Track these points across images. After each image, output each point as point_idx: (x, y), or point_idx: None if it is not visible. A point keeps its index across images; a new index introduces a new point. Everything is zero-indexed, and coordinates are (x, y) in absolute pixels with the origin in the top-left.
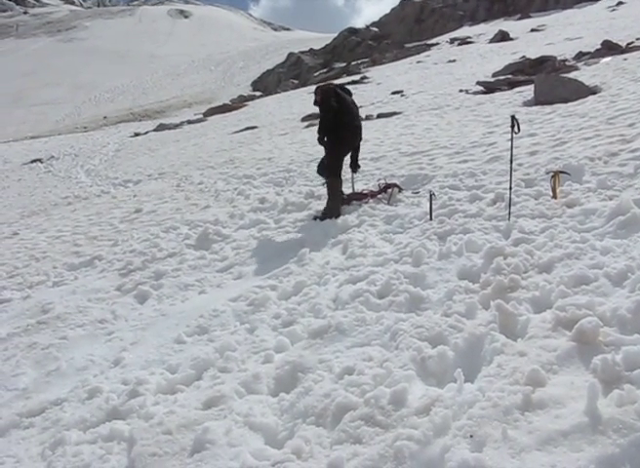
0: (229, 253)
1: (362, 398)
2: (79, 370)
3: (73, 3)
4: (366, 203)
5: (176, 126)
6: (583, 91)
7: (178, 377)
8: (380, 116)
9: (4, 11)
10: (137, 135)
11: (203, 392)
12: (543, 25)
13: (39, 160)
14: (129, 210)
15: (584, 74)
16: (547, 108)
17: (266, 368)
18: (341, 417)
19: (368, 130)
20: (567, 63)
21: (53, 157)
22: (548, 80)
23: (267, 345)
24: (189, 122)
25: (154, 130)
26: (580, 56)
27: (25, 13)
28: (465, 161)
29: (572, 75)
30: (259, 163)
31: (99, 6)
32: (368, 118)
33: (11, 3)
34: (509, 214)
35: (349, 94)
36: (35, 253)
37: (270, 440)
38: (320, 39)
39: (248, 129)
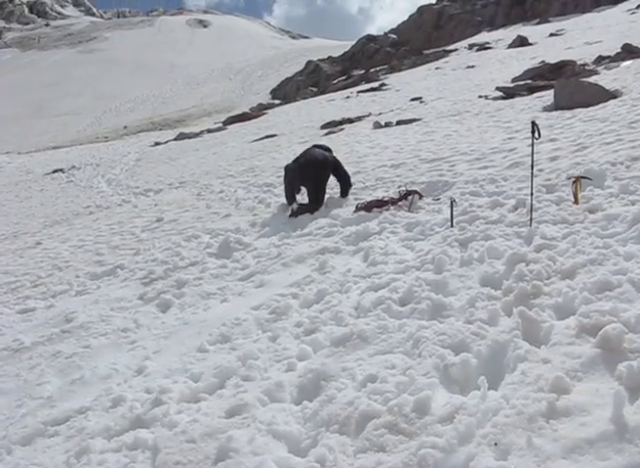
0: (251, 261)
1: (385, 406)
2: (103, 378)
3: (94, 14)
4: (387, 210)
5: (196, 135)
6: (604, 95)
7: (201, 386)
8: (399, 123)
9: (26, 24)
10: (157, 144)
11: (226, 400)
12: (562, 30)
13: (61, 170)
14: (150, 219)
15: (605, 78)
16: (568, 113)
17: (289, 376)
18: (365, 425)
19: (387, 137)
20: (587, 68)
21: (74, 167)
22: (568, 85)
23: (290, 353)
24: (209, 131)
25: (174, 139)
26: (599, 60)
27: (47, 25)
28: (486, 167)
29: (592, 79)
30: (279, 171)
31: (118, 17)
32: (387, 125)
33: (33, 16)
34: (531, 220)
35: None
36: (58, 262)
37: (294, 448)
38: (338, 47)
39: (267, 137)
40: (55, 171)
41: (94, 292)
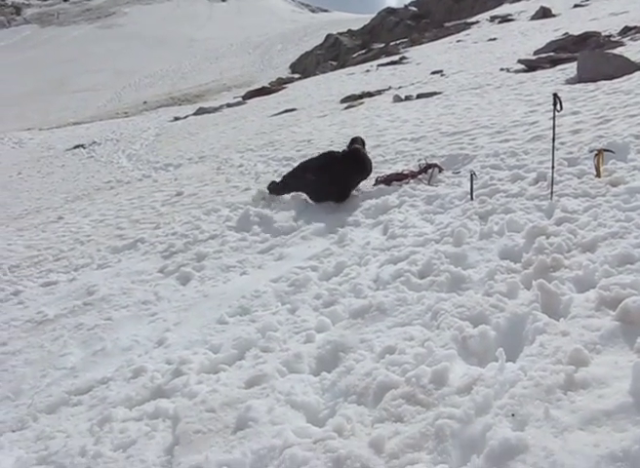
0: (270, 234)
1: (403, 377)
2: (124, 350)
3: None
4: (406, 183)
5: (215, 109)
6: (629, 67)
7: (220, 357)
8: (419, 96)
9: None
10: (176, 119)
11: (245, 371)
12: (587, 0)
13: (82, 146)
14: (170, 193)
15: (630, 50)
16: (591, 86)
17: (308, 347)
18: (383, 396)
19: (408, 110)
20: (612, 39)
21: (95, 143)
22: (592, 57)
23: (309, 325)
24: (228, 105)
25: (194, 114)
26: (625, 31)
27: (66, 0)
28: (507, 140)
29: (617, 51)
30: (298, 145)
31: None
32: (407, 99)
33: None
34: (552, 193)
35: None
36: (80, 236)
37: (312, 418)
38: (358, 20)
39: (287, 111)
40: (76, 146)
41: (115, 266)
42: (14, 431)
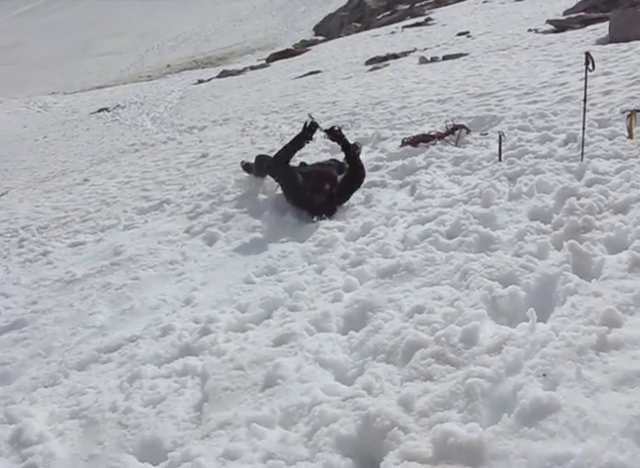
0: None
1: (432, 336)
2: (152, 309)
3: None
4: (433, 145)
5: (239, 72)
6: None
7: (247, 316)
8: (445, 58)
9: None
10: (200, 82)
11: (273, 330)
12: None
13: (106, 109)
14: (195, 155)
15: None
16: (623, 46)
17: (335, 306)
18: (412, 355)
19: (434, 72)
20: None
21: (119, 106)
22: (625, 15)
23: (336, 285)
24: (252, 68)
25: (217, 76)
26: None
27: None
28: (535, 102)
29: None
30: (323, 107)
31: None
32: (433, 60)
33: None
34: (582, 154)
35: None
36: (106, 198)
37: (340, 376)
38: None
39: (311, 73)
40: (100, 110)
41: (141, 227)
42: (46, 387)
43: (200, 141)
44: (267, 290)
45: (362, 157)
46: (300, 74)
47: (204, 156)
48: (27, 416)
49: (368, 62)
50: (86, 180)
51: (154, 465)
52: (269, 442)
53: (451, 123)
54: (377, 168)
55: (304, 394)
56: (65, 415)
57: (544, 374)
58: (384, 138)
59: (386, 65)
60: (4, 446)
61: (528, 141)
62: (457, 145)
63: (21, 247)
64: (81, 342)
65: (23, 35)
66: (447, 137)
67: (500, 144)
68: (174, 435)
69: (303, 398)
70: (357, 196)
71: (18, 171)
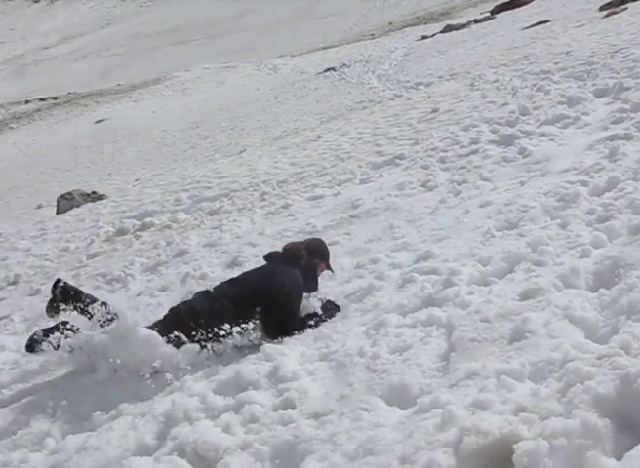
0: (533, 148)
1: None
2: (390, 262)
3: None
4: None
5: (462, 26)
6: None
7: (490, 270)
8: None
9: None
10: (423, 38)
11: (518, 284)
12: None
13: (332, 69)
14: (425, 110)
15: None
16: None
17: (583, 262)
18: None
19: None
20: None
21: (344, 65)
22: None
23: (583, 241)
24: (476, 21)
25: (441, 32)
26: None
27: None
28: None
29: None
30: (556, 57)
31: None
32: None
33: None
34: None
35: None
36: (340, 153)
37: (591, 334)
38: None
39: (539, 24)
40: (326, 70)
41: (376, 181)
42: None
43: (429, 97)
44: (509, 244)
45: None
46: (528, 25)
47: (434, 111)
48: (282, 355)
49: (602, 7)
50: (319, 137)
51: (402, 409)
52: (520, 395)
53: None
54: (620, 120)
55: (554, 350)
56: (315, 357)
57: None
58: (627, 88)
59: (624, 9)
60: (263, 380)
61: None
62: None
63: (264, 200)
64: (324, 289)
65: (252, 3)
66: None
67: None
68: (421, 382)
69: (554, 353)
70: (600, 149)
71: (253, 130)
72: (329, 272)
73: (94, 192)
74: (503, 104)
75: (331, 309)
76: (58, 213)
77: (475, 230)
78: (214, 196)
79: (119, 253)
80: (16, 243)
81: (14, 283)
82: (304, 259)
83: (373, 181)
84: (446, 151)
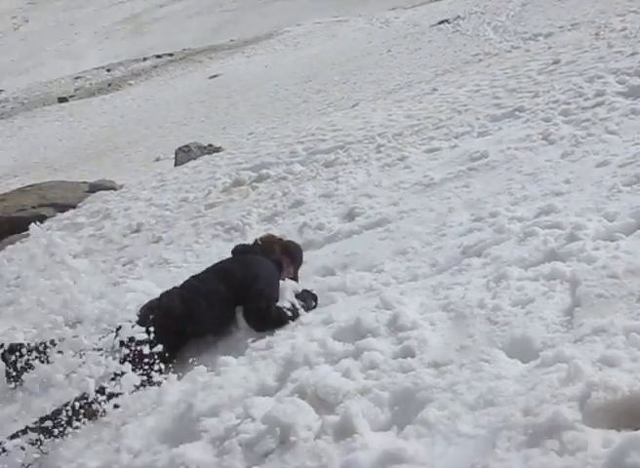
0: None
1: None
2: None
3: None
4: None
5: None
6: None
7: (616, 225)
8: None
9: None
10: None
11: None
12: None
13: (446, 21)
14: (545, 62)
15: None
16: None
17: None
18: None
19: None
20: None
21: (459, 17)
22: None
23: None
24: None
25: None
26: None
27: None
28: None
29: None
30: None
31: None
32: None
33: None
34: None
35: None
36: (456, 106)
37: None
38: None
39: None
40: (440, 22)
41: (495, 134)
42: (410, 281)
43: (549, 48)
44: (638, 199)
45: None
46: None
47: (556, 63)
48: (401, 304)
49: None
50: (434, 90)
51: (524, 362)
52: None
53: None
54: None
55: None
56: (434, 307)
57: None
58: None
59: None
60: (383, 328)
61: None
62: None
63: (379, 152)
64: (441, 242)
65: None
66: None
67: None
68: (544, 336)
69: None
70: None
71: (366, 84)
72: (291, 281)
73: (210, 145)
74: (632, 54)
75: (307, 298)
76: (176, 165)
77: (600, 185)
78: (329, 148)
79: (236, 203)
80: (137, 193)
81: (137, 231)
82: (276, 255)
83: (491, 134)
84: (569, 103)
